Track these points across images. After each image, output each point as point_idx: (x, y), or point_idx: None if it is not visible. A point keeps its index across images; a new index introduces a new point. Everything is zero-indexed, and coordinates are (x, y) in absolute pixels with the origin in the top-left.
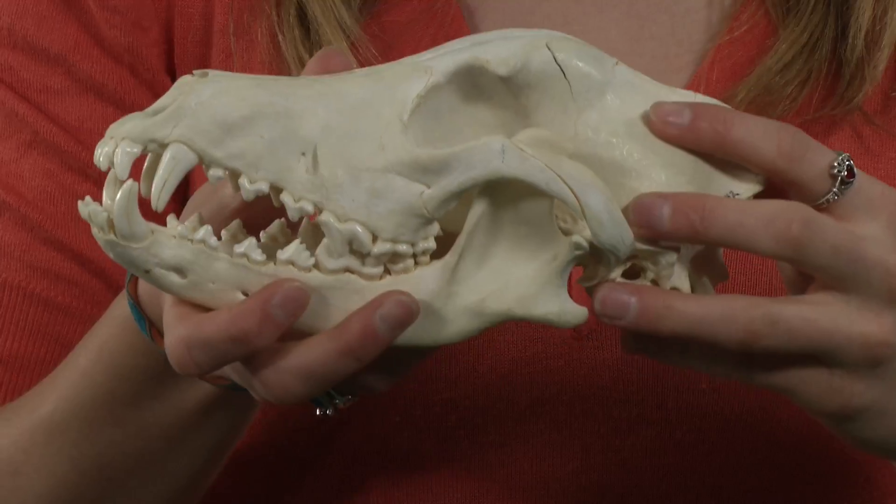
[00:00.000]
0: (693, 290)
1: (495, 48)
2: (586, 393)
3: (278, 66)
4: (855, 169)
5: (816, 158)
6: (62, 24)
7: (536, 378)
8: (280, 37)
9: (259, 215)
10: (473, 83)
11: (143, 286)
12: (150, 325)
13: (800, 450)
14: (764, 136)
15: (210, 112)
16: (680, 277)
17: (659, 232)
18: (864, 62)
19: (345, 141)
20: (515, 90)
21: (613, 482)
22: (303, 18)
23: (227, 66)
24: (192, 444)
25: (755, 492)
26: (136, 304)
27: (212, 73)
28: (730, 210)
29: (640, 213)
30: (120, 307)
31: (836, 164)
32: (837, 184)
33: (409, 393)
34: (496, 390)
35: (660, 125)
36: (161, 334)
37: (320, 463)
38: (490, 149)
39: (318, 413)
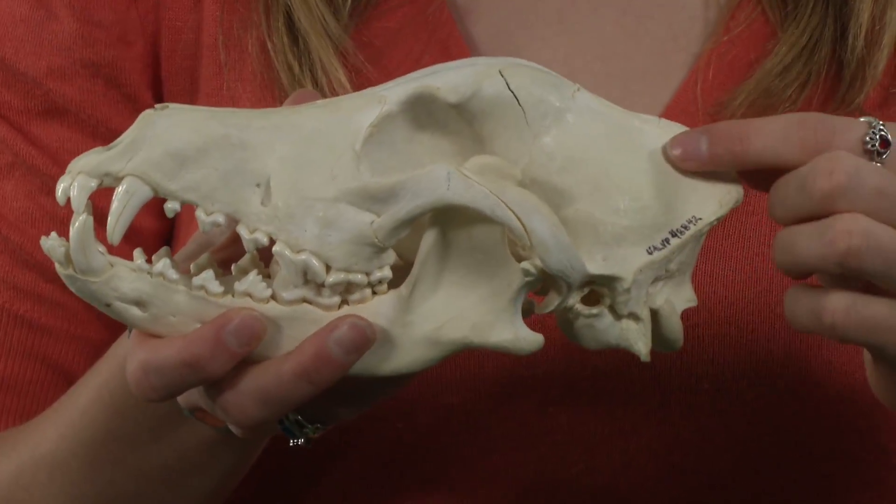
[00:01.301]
0: (655, 315)
1: (447, 76)
2: (589, 395)
3: (269, 76)
4: (889, 137)
5: (844, 139)
6: (38, 48)
7: (539, 381)
8: (269, 44)
9: (243, 253)
10: (427, 112)
11: None
12: None
13: (805, 448)
14: (784, 137)
15: (164, 145)
16: (637, 304)
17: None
18: (865, 63)
19: (298, 172)
20: (469, 118)
21: (619, 483)
22: (291, 26)
23: (218, 79)
24: (192, 486)
25: (760, 491)
26: None
27: (171, 106)
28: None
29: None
30: (121, 347)
31: (867, 139)
32: (874, 157)
33: (412, 398)
34: (499, 394)
35: (678, 161)
36: None
37: (324, 471)
38: (436, 176)
39: (290, 444)
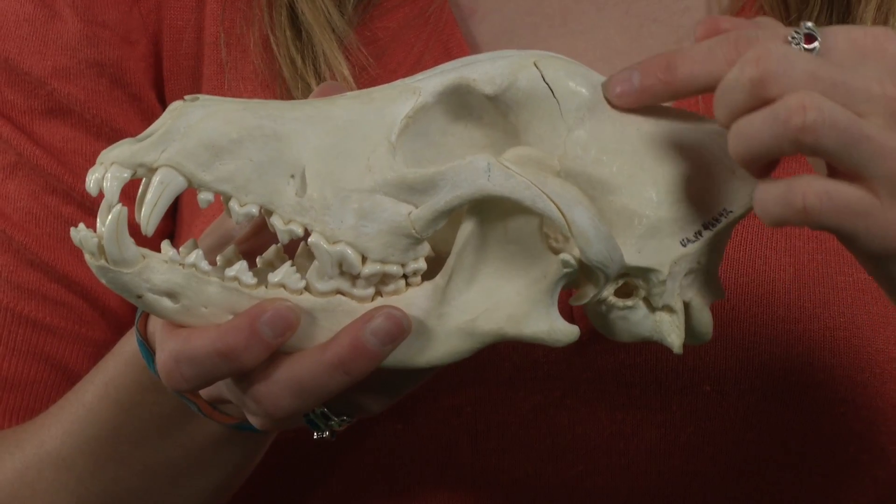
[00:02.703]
0: (686, 307)
1: (483, 67)
2: (589, 397)
3: (270, 73)
4: (816, 32)
5: (767, 41)
6: (43, 47)
7: (539, 383)
8: (272, 38)
9: (264, 245)
10: (462, 103)
11: (153, 323)
12: None
13: (805, 450)
14: (709, 57)
15: (198, 136)
16: (672, 296)
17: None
18: None
19: (333, 163)
20: (504, 109)
21: (619, 486)
22: (294, 20)
23: (219, 77)
24: (197, 483)
25: (761, 493)
26: (145, 341)
27: (202, 97)
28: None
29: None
30: (128, 343)
31: (791, 37)
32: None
33: (411, 400)
34: (499, 396)
35: (615, 100)
36: None
37: (324, 473)
38: (476, 167)
39: (315, 436)
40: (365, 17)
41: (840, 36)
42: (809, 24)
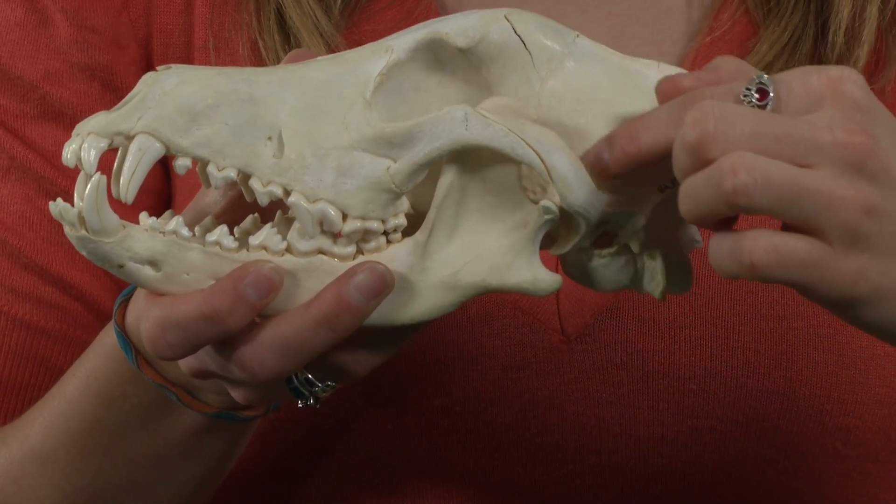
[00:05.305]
0: (666, 256)
1: (454, 21)
2: (577, 396)
3: None
4: (769, 86)
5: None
6: (34, 52)
7: (527, 382)
8: (261, 42)
9: (241, 219)
10: (435, 58)
11: (131, 315)
12: (136, 353)
13: (792, 448)
14: (669, 122)
15: (174, 102)
16: (653, 242)
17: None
18: (845, 59)
19: (309, 123)
20: (477, 63)
21: (608, 484)
22: (282, 24)
23: None
24: (180, 474)
25: (748, 491)
26: (123, 333)
27: (174, 66)
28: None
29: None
30: (108, 336)
31: (743, 94)
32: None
33: (400, 400)
34: (487, 395)
35: (596, 176)
36: (148, 362)
37: (313, 473)
38: (453, 117)
39: (300, 405)
40: (352, 20)
41: (795, 84)
42: (764, 77)
